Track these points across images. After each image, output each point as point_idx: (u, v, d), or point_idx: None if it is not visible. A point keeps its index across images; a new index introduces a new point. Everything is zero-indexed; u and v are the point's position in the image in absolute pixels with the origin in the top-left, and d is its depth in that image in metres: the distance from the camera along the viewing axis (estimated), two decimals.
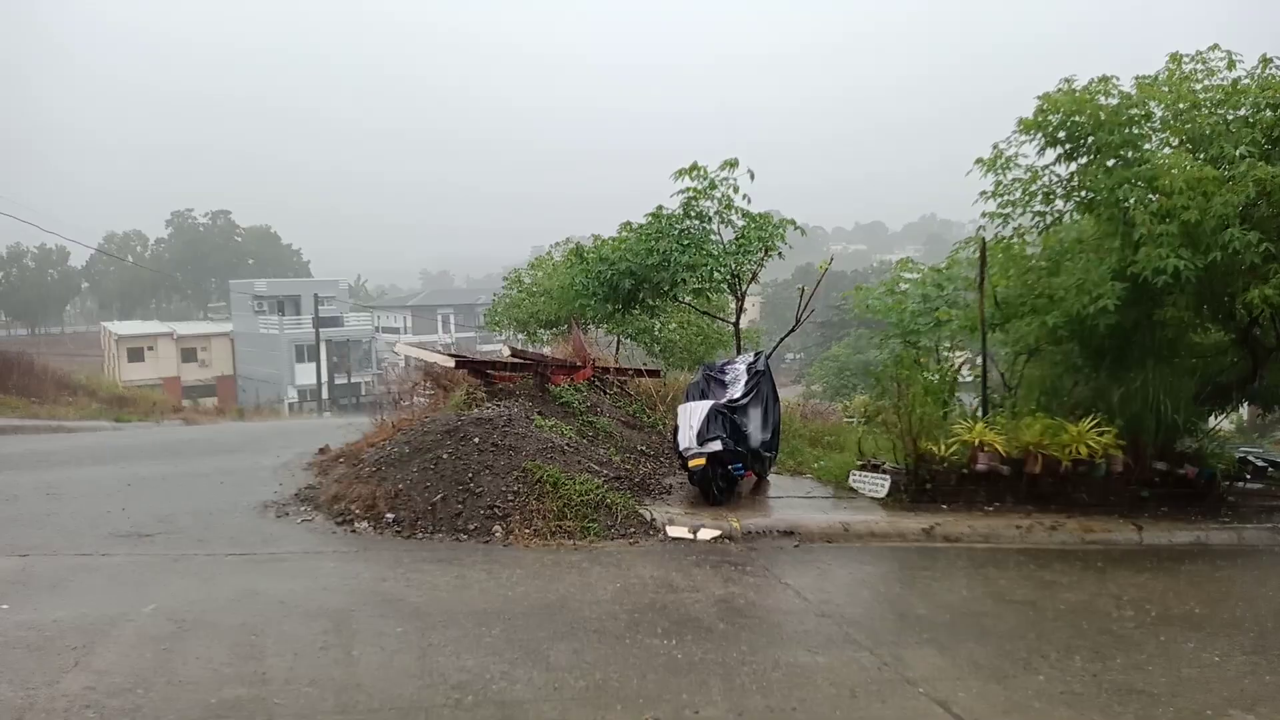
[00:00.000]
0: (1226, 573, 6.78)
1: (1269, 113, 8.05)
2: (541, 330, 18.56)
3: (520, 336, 19.29)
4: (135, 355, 57.77)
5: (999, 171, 9.44)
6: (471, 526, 6.98)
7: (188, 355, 60.23)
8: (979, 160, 9.50)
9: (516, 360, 10.40)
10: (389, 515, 7.14)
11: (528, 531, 6.93)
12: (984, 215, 9.79)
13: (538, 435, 8.21)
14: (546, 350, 15.27)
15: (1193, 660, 4.88)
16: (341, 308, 61.53)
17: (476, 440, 7.85)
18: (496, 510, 7.12)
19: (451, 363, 10.20)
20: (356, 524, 7.14)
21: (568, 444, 8.37)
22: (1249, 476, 9.60)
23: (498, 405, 9.08)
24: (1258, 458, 10.17)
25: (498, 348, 14.88)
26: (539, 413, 9.01)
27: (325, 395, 50.23)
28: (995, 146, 9.44)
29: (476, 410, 8.85)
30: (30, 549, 6.42)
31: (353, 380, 55.94)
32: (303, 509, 7.68)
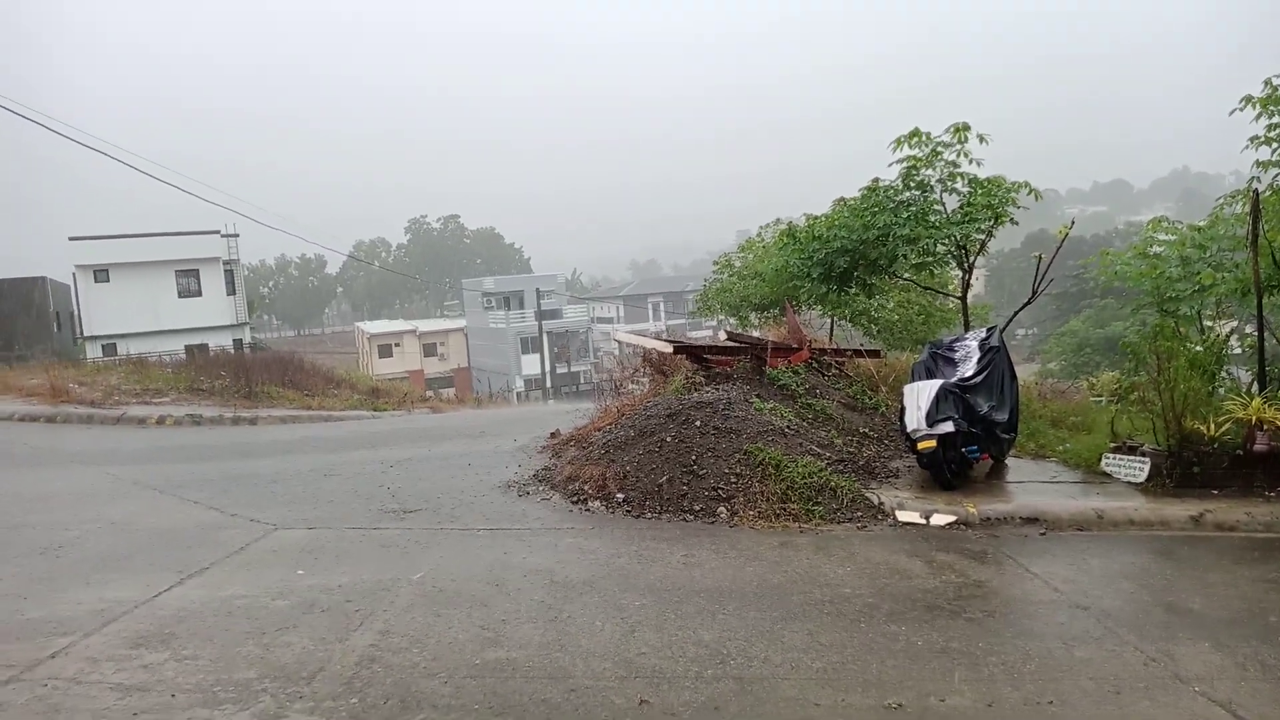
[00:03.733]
0: None
1: None
2: (753, 314, 18.50)
3: (731, 321, 19.32)
4: (385, 351, 63.91)
5: (1272, 112, 8.30)
6: (697, 507, 7.12)
7: (428, 350, 65.82)
8: (1247, 98, 8.40)
9: (733, 344, 10.46)
10: (619, 495, 7.44)
11: (752, 513, 6.97)
12: (1256, 165, 8.66)
13: (757, 418, 8.22)
14: (759, 333, 15.23)
15: None
16: (559, 301, 64.60)
17: (698, 423, 7.99)
18: (720, 492, 7.22)
19: (670, 348, 10.43)
20: (590, 503, 7.50)
21: (787, 426, 8.32)
22: None
23: (716, 389, 9.18)
24: None
25: (707, 333, 15.06)
26: (757, 396, 9.02)
27: (549, 383, 53.02)
28: (1268, 82, 8.31)
29: (695, 394, 8.99)
30: (316, 523, 7.30)
31: (572, 369, 58.66)
32: (541, 488, 8.18)
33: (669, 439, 7.91)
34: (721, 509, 7.09)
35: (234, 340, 38.88)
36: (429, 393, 37.26)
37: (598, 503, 7.47)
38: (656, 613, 5.00)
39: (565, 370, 58.54)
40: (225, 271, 40.78)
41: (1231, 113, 8.62)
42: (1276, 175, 8.76)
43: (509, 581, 5.59)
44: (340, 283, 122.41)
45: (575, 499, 7.65)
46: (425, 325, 70.58)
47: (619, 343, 13.30)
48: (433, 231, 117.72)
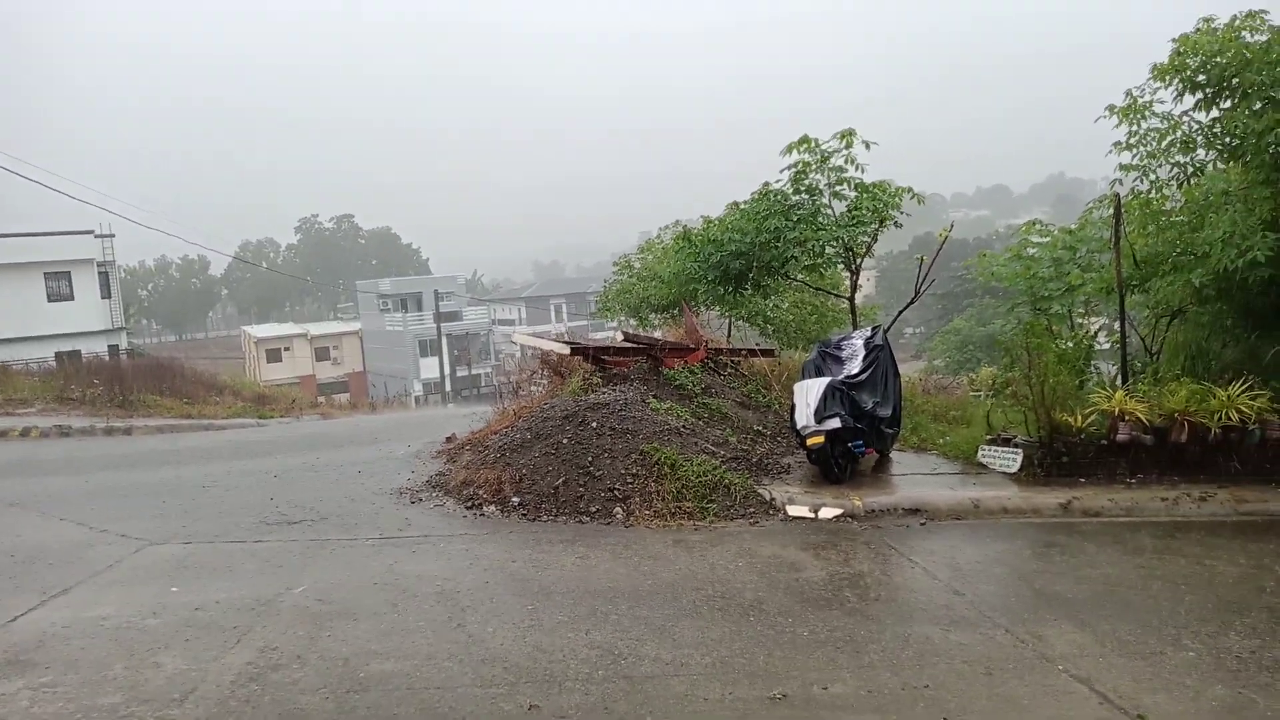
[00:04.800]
0: None
1: None
2: (653, 314, 18.62)
3: (632, 322, 19.40)
4: (273, 356, 61.51)
5: (1133, 120, 8.88)
6: (593, 509, 7.11)
7: (321, 354, 63.68)
8: (1110, 107, 8.96)
9: (630, 345, 10.50)
10: (514, 499, 7.37)
11: (648, 513, 7.01)
12: (1119, 169, 9.24)
13: (654, 418, 8.28)
14: (659, 334, 15.34)
15: None
16: (459, 302, 63.60)
17: (594, 425, 7.99)
18: (616, 492, 7.24)
19: (567, 350, 10.39)
20: (485, 508, 7.40)
21: (684, 426, 8.41)
22: None
23: (613, 390, 9.20)
24: None
25: (610, 334, 15.06)
26: (654, 396, 9.08)
27: (448, 387, 52.14)
28: (1129, 93, 8.88)
29: (593, 395, 8.99)
30: (192, 537, 6.96)
31: (473, 371, 57.82)
32: (434, 494, 8.02)
33: (565, 441, 7.88)
34: (618, 509, 7.11)
35: (109, 346, 36.71)
36: (321, 398, 36.09)
37: (493, 507, 7.38)
38: (549, 616, 4.96)
39: (466, 373, 57.65)
40: (100, 274, 38.43)
41: (1097, 120, 9.17)
42: (1137, 180, 9.36)
43: (397, 592, 5.45)
44: (226, 285, 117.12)
45: (470, 504, 7.53)
46: (317, 328, 68.24)
47: (517, 345, 13.16)
48: (325, 231, 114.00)
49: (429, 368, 55.16)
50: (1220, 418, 7.46)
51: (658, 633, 4.67)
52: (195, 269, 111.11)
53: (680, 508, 7.10)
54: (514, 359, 18.91)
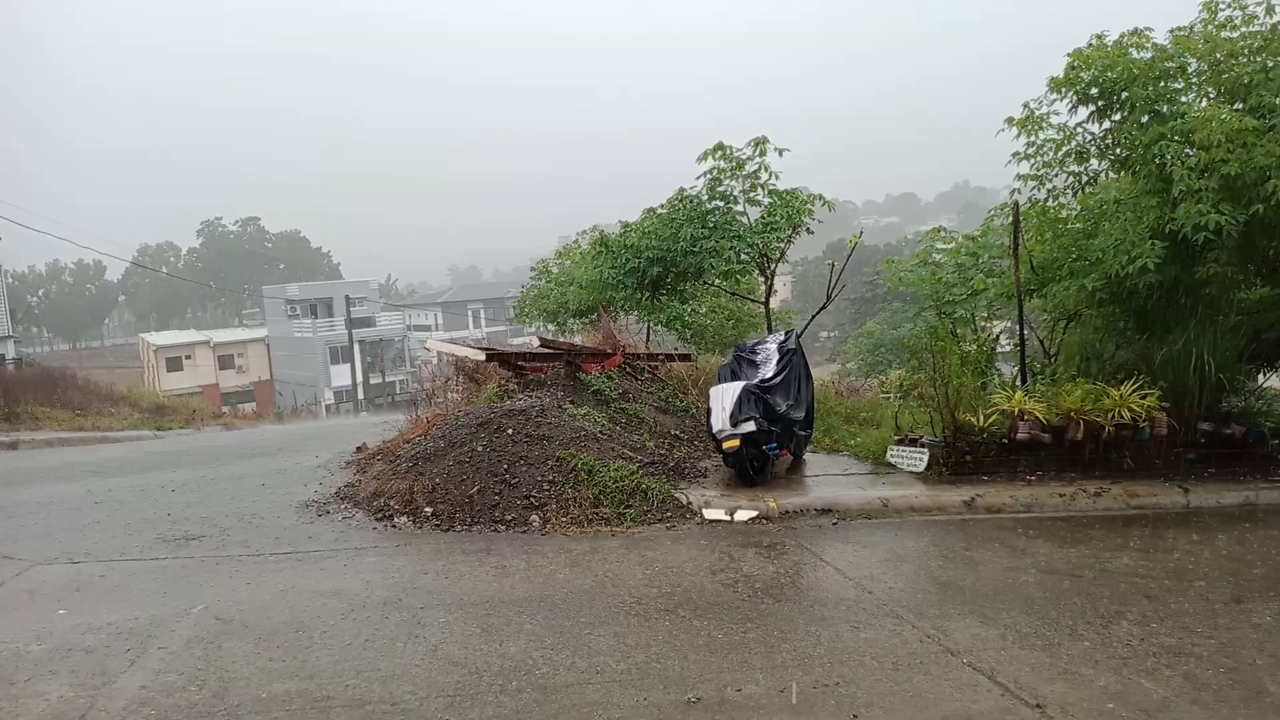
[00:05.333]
0: (1277, 532, 6.60)
1: None
2: (572, 320, 18.56)
3: (550, 327, 19.29)
4: (174, 364, 58.94)
5: (1031, 131, 9.26)
6: (509, 517, 7.01)
7: (225, 362, 61.31)
8: (1010, 119, 9.31)
9: (546, 350, 10.42)
10: (427, 509, 7.21)
11: (565, 520, 6.95)
12: (1018, 178, 9.61)
13: (571, 424, 8.22)
14: (578, 339, 15.27)
15: (1242, 621, 4.77)
16: (373, 308, 62.19)
17: (510, 431, 7.89)
18: (533, 500, 7.16)
19: (482, 356, 10.25)
20: (396, 519, 7.21)
21: (601, 431, 8.38)
22: None
23: (530, 396, 9.11)
24: None
25: (528, 340, 14.95)
26: (571, 402, 9.03)
27: (361, 395, 50.87)
28: (1026, 105, 9.25)
29: (509, 402, 8.88)
30: (82, 556, 6.57)
31: (387, 379, 56.56)
32: (343, 506, 7.78)
33: (481, 448, 7.75)
34: (534, 517, 7.02)
35: None
36: (225, 408, 34.76)
37: (404, 518, 7.20)
38: (462, 628, 4.86)
39: (379, 381, 56.35)
40: None
41: (998, 133, 9.53)
42: (1035, 189, 9.76)
43: (302, 608, 5.25)
44: (123, 291, 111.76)
45: (380, 516, 7.33)
46: (221, 335, 65.69)
47: (431, 351, 12.93)
48: (229, 235, 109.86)
49: (340, 375, 53.69)
50: (1113, 416, 7.83)
51: (573, 641, 4.62)
52: (90, 274, 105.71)
53: (597, 514, 7.06)
54: (429, 366, 18.59)
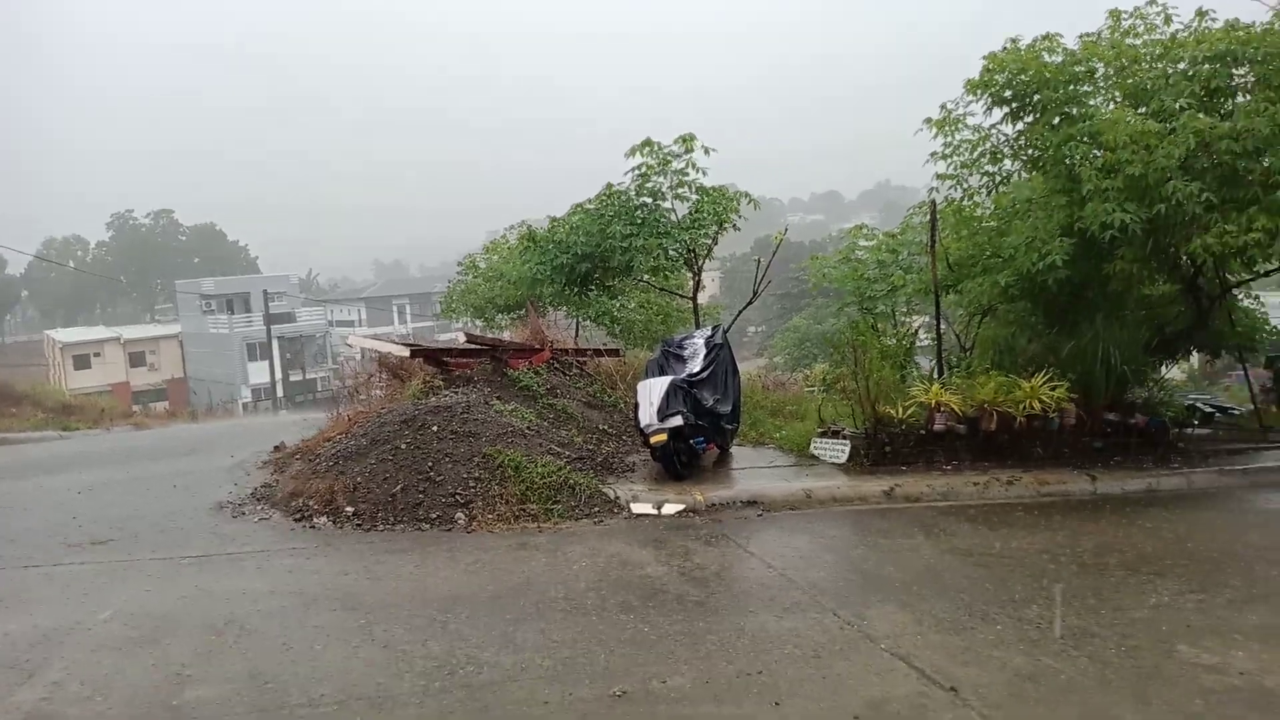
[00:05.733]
0: (1176, 517, 6.94)
1: (1206, 65, 8.17)
2: (500, 315, 18.39)
3: (478, 323, 19.09)
4: (81, 362, 56.24)
5: (948, 132, 9.51)
6: (433, 515, 6.91)
7: (136, 360, 58.79)
8: (928, 120, 9.56)
9: (473, 346, 10.29)
10: (348, 509, 7.05)
11: (491, 517, 6.89)
12: (936, 177, 9.88)
13: (497, 420, 8.14)
14: (507, 335, 15.12)
15: (1142, 602, 5.00)
16: (293, 303, 60.46)
17: (435, 428, 7.77)
18: (458, 497, 7.07)
19: (406, 352, 10.07)
20: (315, 519, 7.03)
21: (528, 427, 8.32)
22: (1197, 423, 9.85)
23: (456, 393, 8.98)
24: (1206, 404, 10.44)
25: (455, 336, 14.74)
26: (498, 398, 8.94)
27: (280, 393, 49.44)
28: (944, 107, 9.50)
29: (434, 399, 8.75)
30: None
31: (308, 377, 55.09)
32: (259, 508, 7.55)
33: (404, 446, 7.62)
34: (459, 515, 6.93)
35: None
36: (136, 407, 33.41)
37: (324, 519, 7.03)
38: (384, 629, 4.76)
39: (300, 378, 54.87)
40: None
41: (916, 132, 9.77)
42: (951, 188, 10.05)
43: (216, 612, 5.08)
44: (26, 285, 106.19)
45: (298, 516, 7.14)
46: (132, 332, 62.89)
47: (352, 347, 12.64)
48: (141, 228, 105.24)
49: (259, 373, 52.04)
50: (1025, 407, 8.12)
51: (498, 639, 4.58)
52: None
53: (525, 510, 7.01)
54: (352, 363, 18.18)
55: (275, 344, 49.30)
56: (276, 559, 6.17)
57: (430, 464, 7.37)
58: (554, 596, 5.22)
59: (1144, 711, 3.71)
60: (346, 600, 5.26)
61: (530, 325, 11.94)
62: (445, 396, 8.80)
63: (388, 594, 5.37)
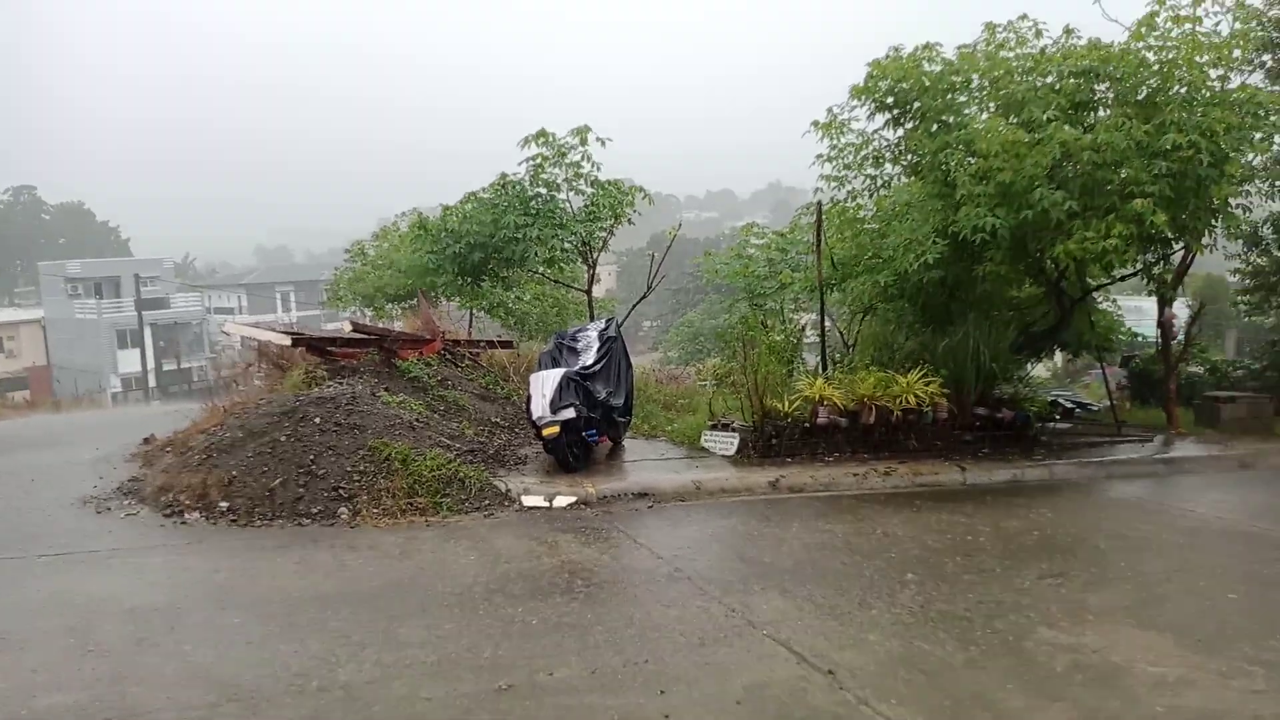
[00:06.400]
0: (1038, 506, 7.39)
1: (1071, 80, 8.67)
2: (390, 305, 17.94)
3: (367, 312, 18.57)
4: None
5: (833, 135, 9.82)
6: (315, 510, 6.70)
7: None
8: (815, 123, 9.83)
9: (360, 335, 10.01)
10: (223, 504, 6.75)
11: (376, 511, 6.72)
12: (821, 178, 10.17)
13: (385, 412, 7.95)
14: (399, 325, 14.76)
15: (1006, 586, 5.31)
16: (168, 288, 57.28)
17: (317, 420, 7.52)
18: (342, 491, 6.87)
19: (287, 340, 9.71)
20: (187, 515, 6.71)
21: (417, 419, 8.16)
22: (1059, 417, 10.49)
23: (340, 383, 8.72)
24: (1067, 400, 11.14)
25: (342, 325, 14.29)
26: (385, 389, 8.72)
27: (153, 383, 46.81)
28: (830, 111, 9.80)
29: (317, 389, 8.46)
30: None
31: (183, 366, 52.22)
32: (126, 503, 7.15)
33: (284, 438, 7.35)
34: (343, 509, 6.74)
35: None
36: None
37: (197, 514, 6.71)
38: (259, 628, 4.59)
39: (175, 368, 52.01)
40: None
41: (803, 135, 10.04)
42: (836, 190, 10.37)
43: (78, 614, 4.79)
44: None
45: (169, 512, 6.80)
46: None
47: (230, 335, 12.10)
48: None
49: (129, 361, 49.06)
50: (901, 402, 8.49)
51: (380, 635, 4.48)
52: None
53: (412, 504, 6.87)
54: (232, 352, 17.41)
55: (147, 331, 46.65)
56: (144, 557, 5.86)
57: (312, 457, 7.13)
58: (440, 591, 5.14)
59: (1007, 689, 3.94)
60: (220, 599, 5.04)
61: (421, 315, 11.70)
62: (329, 387, 8.53)
63: (264, 592, 5.17)
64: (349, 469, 7.08)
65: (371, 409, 7.92)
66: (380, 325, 13.81)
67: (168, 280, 58.48)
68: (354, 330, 10.13)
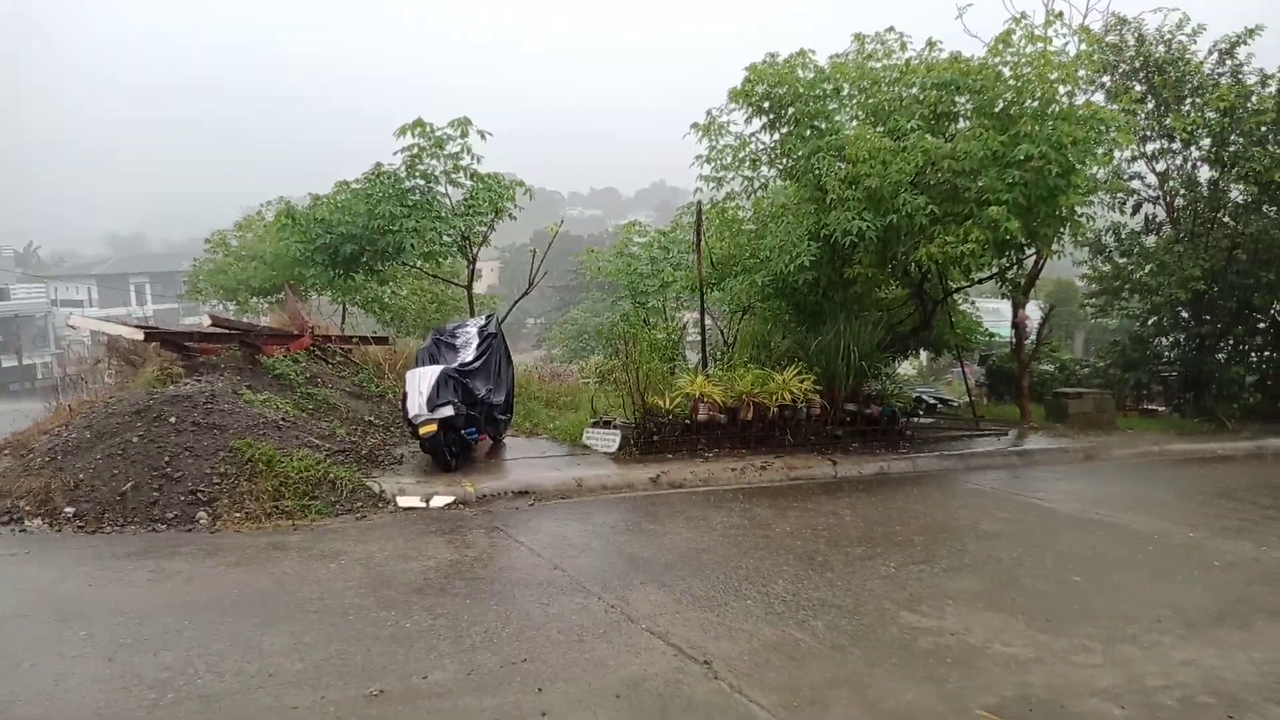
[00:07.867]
0: (903, 497, 7.75)
1: (933, 91, 9.13)
2: (255, 299, 17.13)
3: (230, 306, 17.67)
4: None
5: (712, 136, 10.00)
6: (170, 515, 6.31)
7: None
8: (695, 125, 9.99)
9: (220, 330, 9.50)
10: (68, 509, 6.27)
11: (239, 515, 6.40)
12: (701, 179, 10.34)
13: (248, 411, 7.58)
14: (265, 320, 14.10)
15: (873, 574, 5.54)
16: (7, 279, 52.93)
17: (173, 420, 7.09)
18: (200, 495, 6.50)
19: (140, 334, 9.12)
20: (27, 522, 6.20)
21: (283, 418, 7.82)
22: (923, 413, 11.04)
23: (199, 381, 8.24)
24: (930, 396, 11.74)
25: (202, 319, 13.54)
26: (248, 387, 8.31)
27: None
28: (709, 113, 9.97)
29: (173, 387, 7.98)
30: None
31: (25, 362, 48.39)
32: None
33: (136, 439, 6.89)
34: (202, 514, 6.38)
35: None
36: None
37: (38, 520, 6.21)
38: (108, 641, 4.28)
39: (15, 364, 48.06)
40: None
41: (684, 136, 10.18)
42: (714, 190, 10.57)
43: None
44: None
45: (7, 519, 6.26)
46: None
47: (78, 329, 11.27)
48: None
49: None
50: (778, 398, 8.73)
51: (242, 644, 4.25)
52: None
53: (278, 507, 6.58)
54: (79, 347, 16.22)
55: None
56: None
57: (167, 459, 6.72)
58: (307, 597, 4.93)
59: (872, 673, 4.10)
60: (64, 610, 4.67)
61: (288, 309, 11.22)
62: (186, 385, 8.06)
63: (114, 602, 4.83)
64: (208, 471, 6.71)
65: (233, 408, 7.54)
66: (244, 320, 13.16)
67: (7, 269, 53.99)
68: (214, 325, 9.60)
